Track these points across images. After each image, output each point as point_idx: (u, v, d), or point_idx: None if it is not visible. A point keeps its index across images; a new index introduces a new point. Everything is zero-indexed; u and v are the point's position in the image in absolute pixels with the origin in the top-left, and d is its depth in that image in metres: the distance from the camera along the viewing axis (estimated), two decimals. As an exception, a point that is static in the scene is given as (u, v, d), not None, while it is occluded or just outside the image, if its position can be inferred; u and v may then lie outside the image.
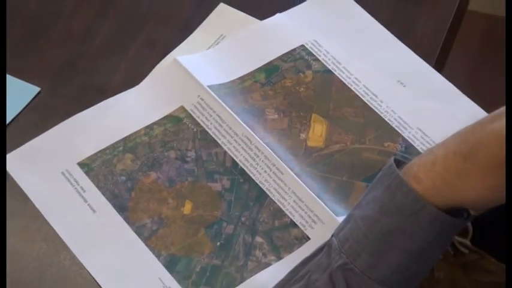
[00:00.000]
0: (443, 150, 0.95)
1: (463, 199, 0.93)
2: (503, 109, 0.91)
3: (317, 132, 1.26)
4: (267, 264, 1.13)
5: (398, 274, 0.95)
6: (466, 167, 0.91)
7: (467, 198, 0.93)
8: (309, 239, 1.14)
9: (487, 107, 1.13)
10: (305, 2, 1.43)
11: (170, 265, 1.14)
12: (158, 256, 1.15)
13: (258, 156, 1.22)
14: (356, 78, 1.31)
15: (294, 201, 1.17)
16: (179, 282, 1.13)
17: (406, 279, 0.97)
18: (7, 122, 1.31)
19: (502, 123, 0.89)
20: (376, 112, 1.28)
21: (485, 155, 0.90)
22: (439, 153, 0.94)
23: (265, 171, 1.21)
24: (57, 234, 1.17)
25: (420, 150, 1.19)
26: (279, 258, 1.13)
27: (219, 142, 1.25)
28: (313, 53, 1.35)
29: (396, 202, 0.94)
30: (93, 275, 1.13)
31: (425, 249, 0.96)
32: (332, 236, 0.99)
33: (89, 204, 1.19)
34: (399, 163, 0.97)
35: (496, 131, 0.90)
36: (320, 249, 0.99)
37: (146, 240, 1.16)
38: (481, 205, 0.95)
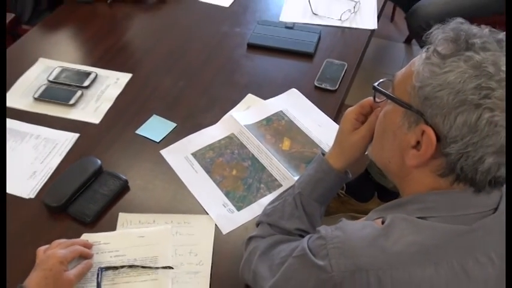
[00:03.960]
0: (333, 148, 0.96)
1: (345, 163, 0.95)
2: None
3: (286, 144, 1.25)
4: (265, 195, 1.15)
5: (318, 197, 0.95)
6: (340, 157, 0.94)
7: (346, 162, 0.95)
8: (282, 185, 1.16)
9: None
10: (282, 94, 1.38)
11: (227, 194, 1.15)
12: (222, 190, 1.16)
13: (262, 153, 1.22)
14: (302, 124, 1.30)
15: (276, 171, 1.19)
16: (230, 201, 1.13)
17: (323, 201, 0.96)
18: (159, 139, 1.26)
19: (354, 137, 0.92)
20: (309, 137, 1.27)
21: (348, 154, 0.94)
22: (334, 151, 0.96)
23: (265, 159, 1.21)
24: (182, 182, 1.17)
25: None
26: (270, 192, 1.15)
27: (247, 147, 1.24)
28: (285, 113, 1.33)
29: (321, 168, 0.95)
30: (196, 198, 1.13)
31: (332, 188, 0.97)
32: (295, 182, 0.99)
33: (195, 170, 1.20)
34: (323, 154, 0.98)
35: (352, 142, 0.93)
36: (289, 188, 0.99)
37: (217, 184, 1.17)
38: (353, 164, 0.96)
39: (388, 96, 0.78)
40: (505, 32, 0.70)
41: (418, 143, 0.72)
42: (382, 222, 0.74)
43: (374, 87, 0.81)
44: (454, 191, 0.72)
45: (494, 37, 0.68)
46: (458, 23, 0.71)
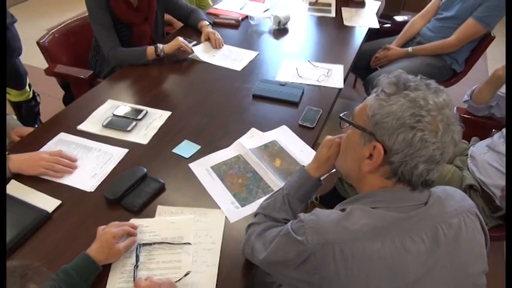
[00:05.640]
0: (312, 163, 0.96)
1: (320, 174, 0.94)
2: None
3: (278, 162, 1.24)
4: (262, 197, 1.12)
5: (300, 197, 0.94)
6: (317, 169, 0.94)
7: (323, 173, 0.94)
8: (273, 190, 1.14)
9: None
10: (276, 129, 1.37)
11: (234, 196, 1.13)
12: (231, 193, 1.14)
13: (261, 169, 1.21)
14: (289, 149, 1.29)
15: (270, 181, 1.18)
16: (236, 200, 1.12)
17: (303, 200, 0.95)
18: (188, 156, 1.24)
19: (326, 156, 0.92)
20: (294, 158, 1.25)
21: (322, 167, 0.94)
22: (312, 165, 0.95)
23: (263, 172, 1.20)
24: (203, 186, 1.15)
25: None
26: (265, 195, 1.12)
27: (250, 164, 1.23)
28: (278, 142, 1.31)
29: (303, 176, 0.94)
30: (212, 197, 1.12)
31: (310, 191, 0.95)
32: (283, 186, 0.97)
33: (212, 178, 1.18)
34: (303, 167, 0.97)
35: (325, 159, 0.92)
36: (279, 190, 0.98)
37: (228, 188, 1.15)
38: (327, 173, 0.95)
39: (350, 123, 0.79)
40: (433, 80, 0.72)
41: (371, 155, 0.73)
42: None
43: (340, 117, 0.82)
44: (396, 189, 0.73)
45: (424, 82, 0.70)
46: (399, 72, 0.73)
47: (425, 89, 0.69)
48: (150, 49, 1.74)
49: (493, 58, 3.48)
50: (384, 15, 2.74)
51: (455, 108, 1.74)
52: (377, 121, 0.70)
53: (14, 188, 1.09)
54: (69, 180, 1.15)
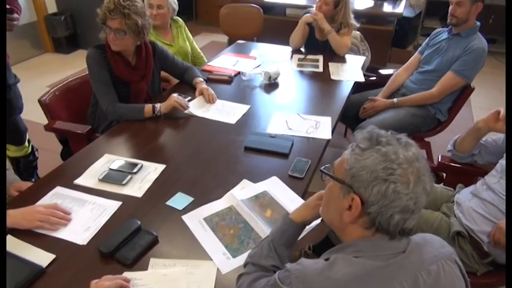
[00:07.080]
0: (298, 211, 1.00)
1: (305, 219, 0.98)
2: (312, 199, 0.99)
3: (269, 213, 1.26)
4: (252, 247, 1.09)
5: (285, 243, 0.96)
6: (302, 214, 0.98)
7: (306, 219, 0.98)
8: (261, 237, 1.15)
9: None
10: (267, 180, 1.40)
11: (226, 247, 1.15)
12: (223, 244, 1.16)
13: (252, 219, 1.23)
14: (280, 199, 1.31)
15: (261, 231, 1.19)
16: (228, 251, 1.13)
17: (288, 245, 0.98)
18: (181, 208, 1.26)
19: (313, 203, 0.97)
20: (285, 209, 1.27)
21: (304, 213, 0.98)
22: (297, 212, 1.00)
23: (254, 223, 1.22)
24: (196, 237, 1.17)
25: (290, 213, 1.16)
26: (255, 244, 1.13)
27: (242, 214, 1.25)
28: (269, 192, 1.34)
29: (286, 222, 0.99)
30: (205, 249, 1.13)
31: (293, 236, 0.99)
32: (269, 233, 1.01)
33: (204, 229, 1.20)
34: (287, 214, 1.02)
35: (311, 206, 0.97)
36: (265, 238, 1.01)
37: (220, 240, 1.17)
38: (311, 220, 0.99)
39: (330, 176, 0.84)
40: (403, 134, 0.79)
41: (350, 206, 0.78)
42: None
43: (321, 170, 0.88)
44: (375, 238, 0.77)
45: (394, 137, 0.77)
46: (372, 128, 0.80)
47: (396, 144, 0.75)
48: (148, 107, 1.83)
49: (477, 106, 3.64)
50: (370, 67, 2.90)
51: (439, 156, 1.83)
52: (353, 174, 0.76)
53: (9, 243, 1.12)
54: (63, 234, 1.17)
